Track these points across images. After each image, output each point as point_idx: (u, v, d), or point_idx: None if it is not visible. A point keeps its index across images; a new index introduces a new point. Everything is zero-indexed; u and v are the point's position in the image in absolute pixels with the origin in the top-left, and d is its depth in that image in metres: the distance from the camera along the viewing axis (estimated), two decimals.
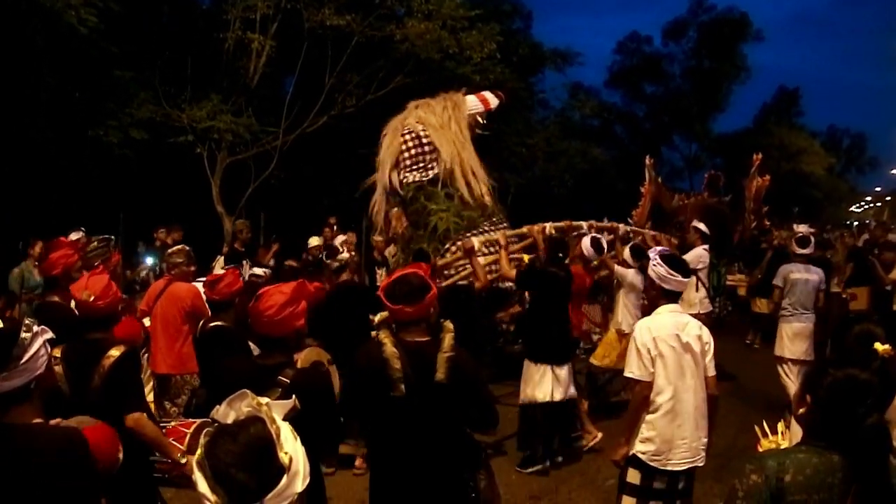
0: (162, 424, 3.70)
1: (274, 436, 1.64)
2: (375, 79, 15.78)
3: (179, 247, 6.31)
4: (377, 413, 3.11)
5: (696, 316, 7.95)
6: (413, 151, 8.33)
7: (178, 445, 3.63)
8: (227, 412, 1.66)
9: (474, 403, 3.19)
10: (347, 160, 16.33)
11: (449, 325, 3.19)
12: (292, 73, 15.75)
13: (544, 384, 6.02)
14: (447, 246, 7.76)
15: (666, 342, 3.83)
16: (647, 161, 11.53)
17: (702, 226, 8.68)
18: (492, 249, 7.30)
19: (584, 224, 7.91)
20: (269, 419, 1.66)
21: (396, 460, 3.14)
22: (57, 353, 3.35)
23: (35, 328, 2.42)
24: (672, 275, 3.85)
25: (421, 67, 15.67)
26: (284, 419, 1.73)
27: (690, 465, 3.88)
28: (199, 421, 3.85)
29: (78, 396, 3.40)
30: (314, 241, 10.03)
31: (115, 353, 3.41)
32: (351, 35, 14.72)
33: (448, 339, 3.11)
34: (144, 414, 3.44)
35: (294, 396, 1.90)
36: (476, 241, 6.66)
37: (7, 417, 2.33)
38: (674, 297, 3.97)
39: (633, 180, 11.93)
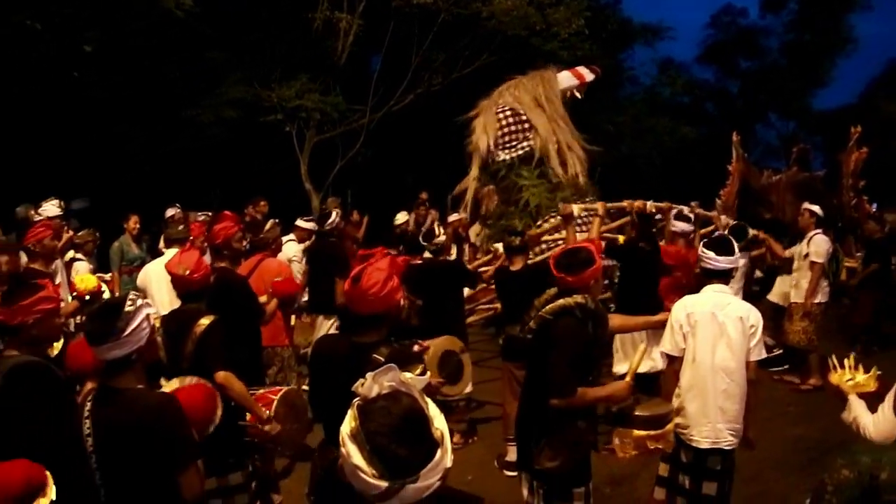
0: (251, 392, 3.84)
1: (425, 409, 1.64)
2: (461, 56, 15.73)
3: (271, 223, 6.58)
4: None
5: (814, 305, 7.63)
6: (510, 129, 8.37)
7: (266, 411, 3.80)
8: (371, 386, 1.65)
9: (548, 366, 3.42)
10: (433, 138, 16.39)
11: (576, 297, 3.45)
12: (379, 52, 15.87)
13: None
14: (539, 223, 7.74)
15: (699, 319, 3.86)
16: (734, 138, 11.05)
17: (816, 208, 8.05)
18: (588, 219, 7.22)
19: (685, 208, 7.61)
20: (418, 394, 1.66)
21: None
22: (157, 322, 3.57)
23: (139, 302, 2.57)
24: (705, 253, 3.94)
25: (507, 44, 15.51)
26: None
27: (713, 446, 3.86)
28: (285, 388, 4.00)
29: (173, 362, 3.61)
30: (401, 217, 10.13)
31: (204, 321, 3.63)
32: (437, 13, 14.70)
33: (558, 303, 3.42)
34: (232, 373, 3.61)
35: (428, 374, 1.91)
36: (576, 208, 6.43)
37: (113, 382, 2.53)
38: (718, 276, 3.96)
39: (725, 160, 11.45)
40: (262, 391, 3.90)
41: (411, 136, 18.16)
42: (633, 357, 3.87)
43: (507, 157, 8.30)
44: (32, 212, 7.22)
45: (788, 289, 8.07)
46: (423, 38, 15.17)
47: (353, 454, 1.56)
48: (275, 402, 3.84)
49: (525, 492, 3.87)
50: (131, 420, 2.46)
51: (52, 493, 2.38)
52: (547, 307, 3.40)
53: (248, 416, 3.81)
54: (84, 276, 5.49)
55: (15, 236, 7.37)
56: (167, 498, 2.52)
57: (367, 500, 1.58)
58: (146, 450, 2.46)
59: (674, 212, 6.95)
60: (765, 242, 8.36)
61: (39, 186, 7.83)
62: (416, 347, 3.32)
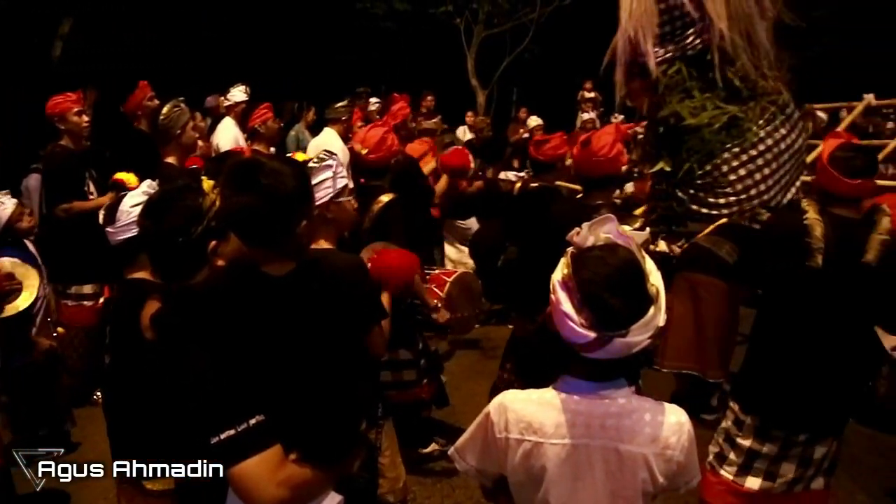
0: (426, 271, 3.87)
1: (642, 263, 1.59)
2: None
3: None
4: (784, 283, 2.87)
5: None
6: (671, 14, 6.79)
7: (438, 292, 3.81)
8: (587, 236, 1.62)
9: None
10: (604, 35, 15.48)
11: (885, 207, 2.87)
12: None
13: None
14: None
15: None
16: None
17: None
18: None
19: None
20: (635, 246, 1.61)
21: (796, 337, 2.86)
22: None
23: (327, 161, 2.60)
24: None
25: None
26: None
27: None
28: (461, 271, 3.99)
29: (354, 237, 3.68)
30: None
31: (384, 198, 3.67)
32: None
33: (885, 222, 2.76)
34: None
35: (648, 230, 1.83)
36: None
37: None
38: None
39: None
40: (437, 271, 3.91)
41: (582, 32, 17.34)
42: None
43: (664, 54, 5.58)
44: (221, 99, 7.59)
45: None
46: None
47: (563, 302, 1.54)
48: (447, 284, 3.84)
49: None
50: (328, 281, 2.47)
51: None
52: (880, 227, 2.76)
53: None
54: None
55: (209, 122, 7.86)
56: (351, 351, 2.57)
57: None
58: (340, 311, 2.48)
59: None
60: None
61: (226, 76, 8.11)
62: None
